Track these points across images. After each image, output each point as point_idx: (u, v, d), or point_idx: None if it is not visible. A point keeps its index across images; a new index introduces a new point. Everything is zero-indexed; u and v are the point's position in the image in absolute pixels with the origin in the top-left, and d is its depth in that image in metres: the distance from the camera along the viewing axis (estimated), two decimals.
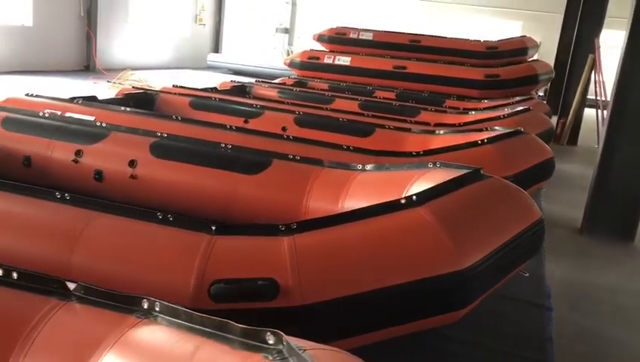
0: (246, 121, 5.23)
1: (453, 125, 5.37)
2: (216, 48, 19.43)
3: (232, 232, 2.20)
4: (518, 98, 7.77)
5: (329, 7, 21.40)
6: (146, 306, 1.49)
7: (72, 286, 1.61)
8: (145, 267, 2.08)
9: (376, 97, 7.64)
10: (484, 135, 4.26)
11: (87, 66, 13.75)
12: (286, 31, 22.35)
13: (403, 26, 15.86)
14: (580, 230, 5.12)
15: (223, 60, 17.17)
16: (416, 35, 10.36)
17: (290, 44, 22.09)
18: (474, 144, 3.96)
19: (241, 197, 3.34)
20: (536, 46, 10.32)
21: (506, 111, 6.14)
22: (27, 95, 4.63)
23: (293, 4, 22.43)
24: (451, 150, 3.91)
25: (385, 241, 2.16)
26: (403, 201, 2.28)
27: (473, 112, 6.57)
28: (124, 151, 3.58)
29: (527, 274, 2.63)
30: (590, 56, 9.75)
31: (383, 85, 8.70)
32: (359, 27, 10.42)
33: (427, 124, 5.39)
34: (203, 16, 18.63)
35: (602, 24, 10.07)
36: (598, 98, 9.70)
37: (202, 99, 5.71)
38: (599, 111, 9.89)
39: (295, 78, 9.33)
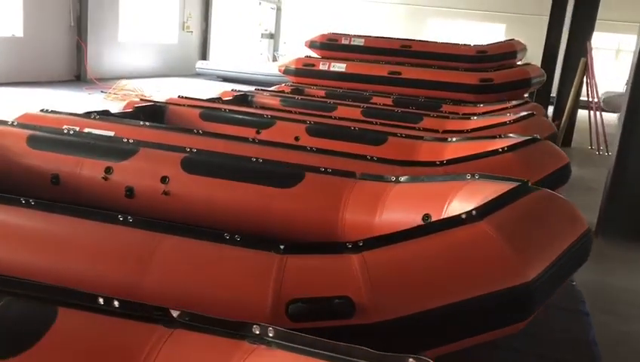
0: (258, 132, 5.22)
1: (461, 132, 5.42)
2: (203, 55, 19.39)
3: (301, 251, 2.22)
4: (514, 102, 7.82)
5: (313, 13, 21.49)
6: (258, 332, 1.49)
7: (175, 313, 1.61)
8: (220, 288, 2.09)
9: (374, 103, 7.67)
10: (501, 142, 4.30)
11: (78, 76, 13.65)
12: (271, 36, 22.37)
13: (385, 30, 16.00)
14: (594, 233, 5.16)
15: (211, 67, 17.12)
16: (407, 40, 10.45)
17: (275, 49, 22.12)
18: (495, 152, 4.01)
19: (276, 211, 3.35)
20: (524, 49, 10.44)
21: (510, 116, 6.19)
22: (42, 111, 4.60)
23: (278, 9, 22.47)
24: (474, 158, 3.95)
25: (452, 256, 2.20)
26: (463, 216, 2.32)
27: (475, 117, 6.61)
28: (156, 168, 3.56)
29: (575, 283, 2.68)
30: (582, 59, 9.91)
31: (378, 91, 8.73)
32: (343, 32, 10.48)
33: (434, 130, 5.43)
34: (190, 24, 18.58)
35: (594, 27, 10.23)
36: (590, 99, 9.87)
37: (212, 111, 5.69)
38: (591, 112, 10.08)
39: (291, 85, 9.33)
